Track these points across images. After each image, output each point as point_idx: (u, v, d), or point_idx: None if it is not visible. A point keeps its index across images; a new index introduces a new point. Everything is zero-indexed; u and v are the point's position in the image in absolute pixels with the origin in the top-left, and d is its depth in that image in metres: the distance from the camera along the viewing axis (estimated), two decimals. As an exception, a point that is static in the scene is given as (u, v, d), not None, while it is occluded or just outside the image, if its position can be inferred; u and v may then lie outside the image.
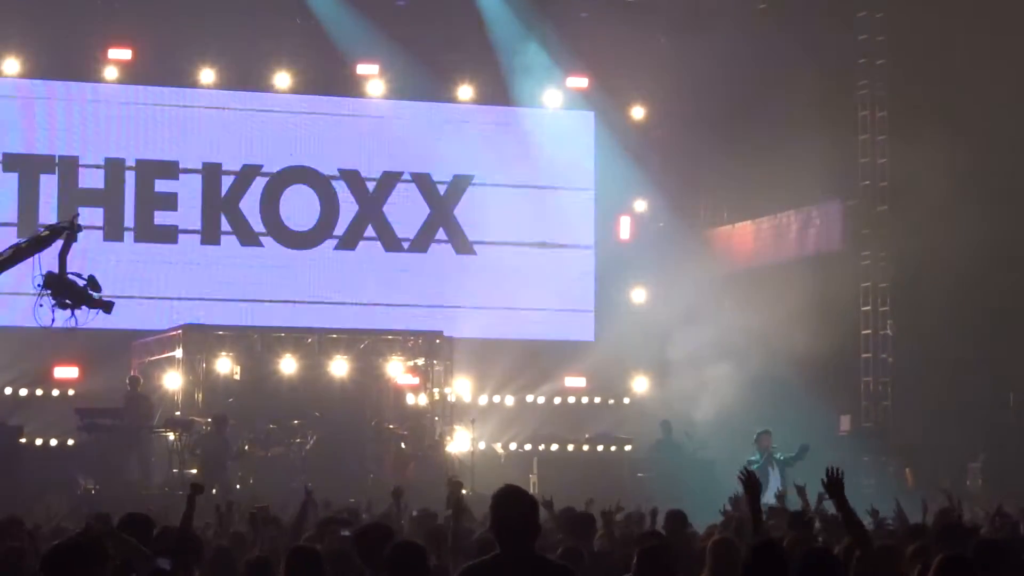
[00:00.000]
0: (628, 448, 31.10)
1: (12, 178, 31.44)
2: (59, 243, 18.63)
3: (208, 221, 32.62)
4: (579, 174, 33.86)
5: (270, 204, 32.80)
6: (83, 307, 18.03)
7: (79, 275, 18.02)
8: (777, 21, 30.14)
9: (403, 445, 29.47)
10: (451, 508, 13.36)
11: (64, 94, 31.80)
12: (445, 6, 32.24)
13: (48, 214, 30.14)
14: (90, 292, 18.00)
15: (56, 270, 18.19)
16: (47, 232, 18.28)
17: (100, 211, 31.66)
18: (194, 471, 26.40)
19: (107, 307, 18.21)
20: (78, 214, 18.83)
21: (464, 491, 14.67)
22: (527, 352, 32.58)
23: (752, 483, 9.60)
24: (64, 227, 18.29)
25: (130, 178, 32.19)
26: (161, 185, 32.28)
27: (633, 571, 9.27)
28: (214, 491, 25.17)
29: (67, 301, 17.90)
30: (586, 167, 33.92)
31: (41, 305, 17.86)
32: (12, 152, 31.53)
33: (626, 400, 33.54)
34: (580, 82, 33.85)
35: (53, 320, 17.84)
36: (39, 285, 17.87)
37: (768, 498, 20.00)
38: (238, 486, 27.11)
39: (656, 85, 33.78)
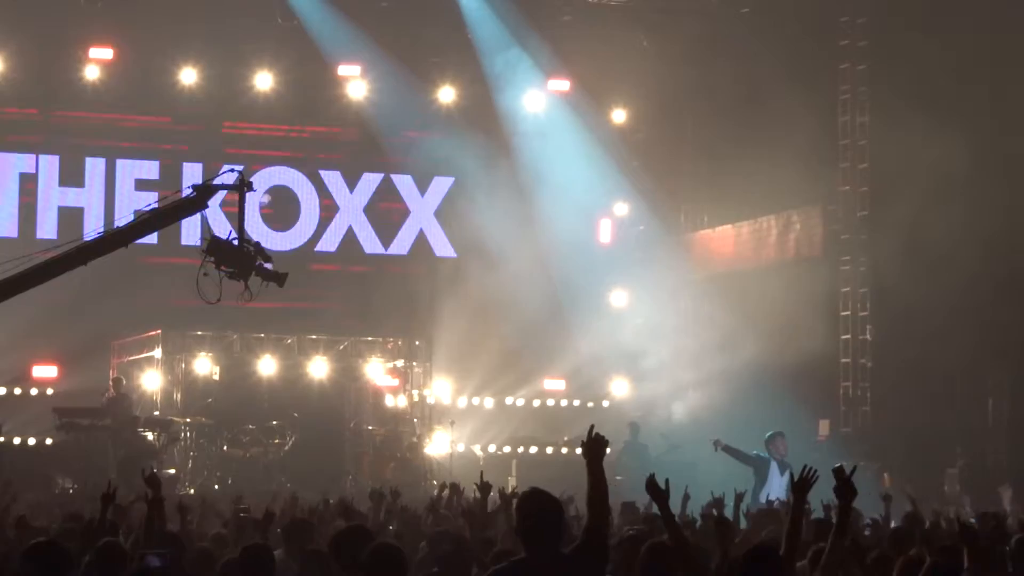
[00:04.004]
0: (607, 451, 30.99)
1: None
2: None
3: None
4: (560, 176, 33.66)
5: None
6: (251, 278, 15.36)
7: (247, 241, 15.41)
8: (759, 25, 30.15)
9: (382, 446, 29.46)
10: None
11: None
12: (428, 8, 32.18)
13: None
14: (260, 262, 15.31)
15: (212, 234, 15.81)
16: (195, 194, 15.43)
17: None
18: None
19: (280, 279, 15.59)
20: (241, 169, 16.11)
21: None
22: (507, 354, 32.50)
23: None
24: (225, 186, 15.63)
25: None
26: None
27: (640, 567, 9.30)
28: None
29: (234, 270, 15.23)
30: (567, 170, 33.71)
31: (206, 274, 15.12)
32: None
33: (605, 403, 33.50)
34: (562, 85, 33.81)
35: (220, 296, 15.12)
36: (203, 251, 15.24)
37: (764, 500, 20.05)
38: (216, 487, 27.09)
39: (637, 89, 33.80)
